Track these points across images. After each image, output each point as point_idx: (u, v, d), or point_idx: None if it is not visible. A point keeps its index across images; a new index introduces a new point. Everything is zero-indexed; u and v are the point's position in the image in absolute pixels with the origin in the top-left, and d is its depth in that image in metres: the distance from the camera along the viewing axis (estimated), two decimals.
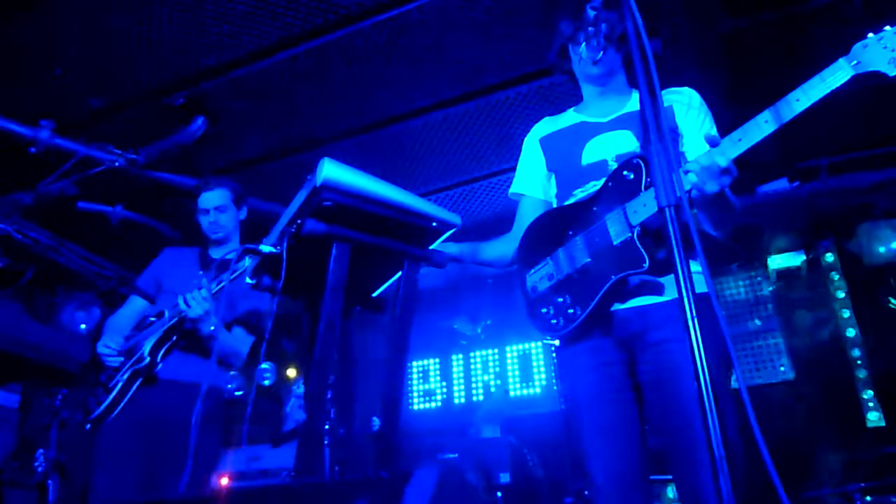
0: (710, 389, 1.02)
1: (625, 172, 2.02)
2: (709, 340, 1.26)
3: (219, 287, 2.88)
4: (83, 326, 4.87)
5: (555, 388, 6.18)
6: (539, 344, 6.49)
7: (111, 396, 2.88)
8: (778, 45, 3.62)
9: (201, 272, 3.10)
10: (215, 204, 3.26)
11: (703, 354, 1.02)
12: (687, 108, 2.17)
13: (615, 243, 1.98)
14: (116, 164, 2.85)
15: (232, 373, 3.27)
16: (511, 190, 2.48)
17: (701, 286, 1.35)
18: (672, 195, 1.19)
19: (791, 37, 3.55)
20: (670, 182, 1.20)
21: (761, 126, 1.72)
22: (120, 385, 2.90)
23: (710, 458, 1.82)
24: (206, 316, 2.84)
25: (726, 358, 2.07)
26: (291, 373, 6.69)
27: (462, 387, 6.84)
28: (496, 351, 6.77)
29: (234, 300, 3.13)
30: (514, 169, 4.66)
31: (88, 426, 2.88)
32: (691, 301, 1.08)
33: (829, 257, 5.70)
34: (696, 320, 1.07)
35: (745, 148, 1.74)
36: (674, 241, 1.13)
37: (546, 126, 2.42)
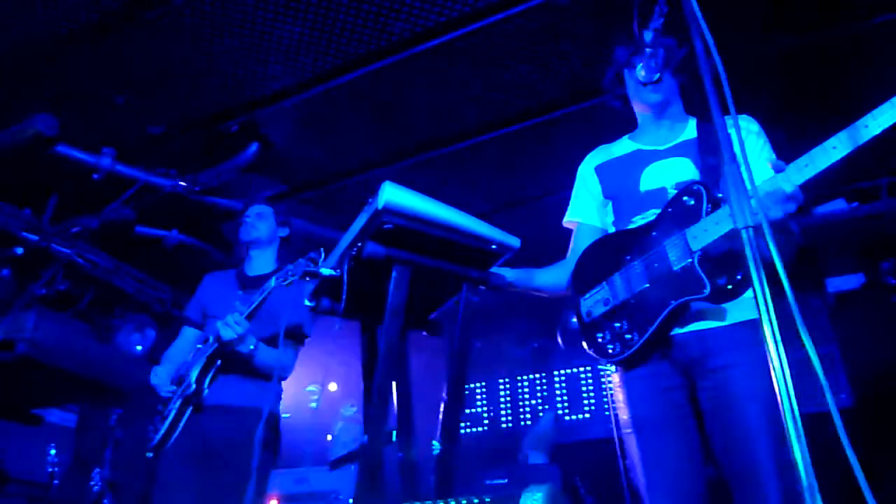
0: (797, 419, 0.98)
1: (685, 198, 1.99)
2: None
3: (252, 307, 2.93)
4: (139, 348, 4.97)
5: (606, 412, 6.07)
6: (588, 368, 6.39)
7: (166, 424, 2.93)
8: (834, 63, 3.55)
9: (240, 292, 3.15)
10: (256, 212, 3.40)
11: (788, 380, 0.98)
12: (745, 134, 2.13)
13: (675, 269, 1.95)
14: (176, 189, 2.93)
15: (280, 395, 3.30)
16: (566, 218, 2.46)
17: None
18: (750, 216, 1.16)
19: (848, 54, 3.48)
20: (747, 203, 1.18)
21: (829, 152, 1.67)
22: (173, 413, 2.95)
23: (781, 488, 1.78)
24: (242, 338, 2.88)
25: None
26: (332, 387, 6.72)
27: (509, 411, 6.77)
28: (543, 375, 6.69)
29: (278, 313, 3.16)
30: (562, 189, 4.65)
31: (151, 454, 2.93)
32: (774, 325, 1.05)
33: (891, 280, 5.51)
34: (779, 345, 1.04)
35: (812, 174, 1.69)
36: (752, 263, 1.10)
37: (601, 154, 2.41)
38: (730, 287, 1.85)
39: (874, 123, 1.62)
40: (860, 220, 4.90)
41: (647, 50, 2.10)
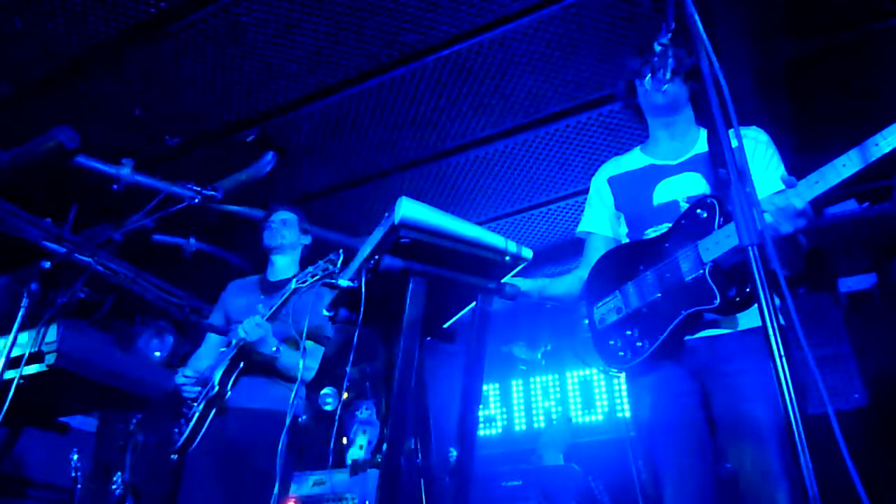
0: (799, 424, 1.03)
1: (698, 211, 2.04)
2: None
3: (272, 310, 2.97)
4: (157, 354, 5.05)
5: (618, 414, 6.09)
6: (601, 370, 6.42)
7: (190, 426, 2.97)
8: (842, 70, 3.56)
9: (262, 297, 3.20)
10: (281, 218, 3.44)
11: (792, 393, 1.02)
12: (754, 145, 2.18)
13: (686, 280, 1.99)
14: (196, 200, 2.99)
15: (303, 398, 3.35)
16: (579, 228, 2.51)
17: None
18: (755, 234, 1.21)
19: (855, 61, 3.49)
20: (752, 221, 1.22)
21: (839, 170, 1.71)
22: (197, 415, 3.00)
23: (791, 492, 1.82)
24: (264, 339, 2.93)
25: (801, 389, 2.06)
26: (345, 395, 6.77)
27: (523, 413, 6.80)
28: (556, 376, 6.73)
29: (299, 316, 3.21)
30: (573, 195, 4.68)
31: (175, 457, 2.98)
32: (778, 340, 1.09)
33: None
34: (783, 358, 1.08)
35: (822, 191, 1.74)
36: (758, 280, 1.14)
37: (613, 166, 2.45)
38: (739, 299, 1.89)
39: (885, 142, 1.65)
40: (871, 219, 4.90)
41: (656, 59, 2.15)
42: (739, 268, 1.89)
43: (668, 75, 2.17)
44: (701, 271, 1.96)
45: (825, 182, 1.74)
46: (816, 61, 3.51)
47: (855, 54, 3.47)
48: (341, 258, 2.59)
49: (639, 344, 2.09)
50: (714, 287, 1.92)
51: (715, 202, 2.00)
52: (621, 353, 2.14)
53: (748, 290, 1.87)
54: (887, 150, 1.64)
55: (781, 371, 1.08)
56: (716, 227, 1.96)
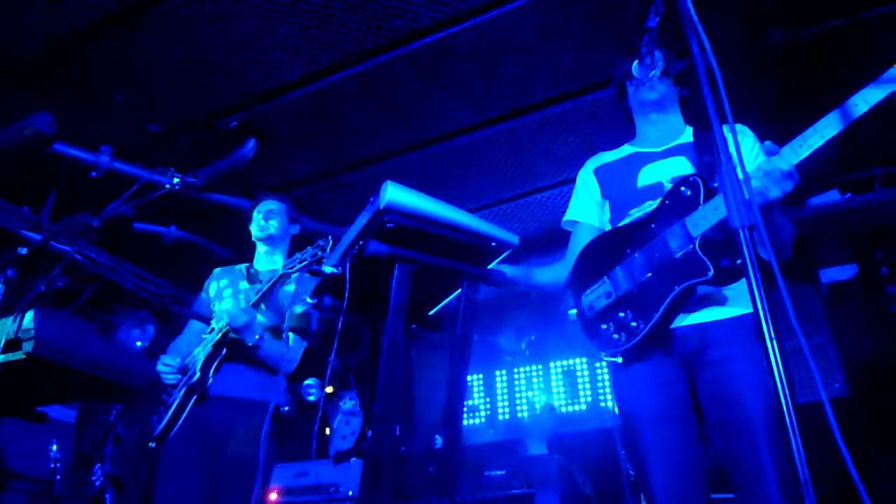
0: (791, 411, 1.02)
1: (682, 189, 2.04)
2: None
3: (257, 297, 2.94)
4: (139, 343, 4.99)
5: (601, 404, 6.12)
6: (584, 360, 6.44)
7: (169, 413, 2.93)
8: (828, 57, 3.58)
9: (248, 286, 3.16)
10: (268, 208, 3.38)
11: (784, 381, 1.01)
12: (740, 137, 2.18)
13: (676, 256, 1.99)
14: (176, 187, 2.93)
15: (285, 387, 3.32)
16: (565, 218, 2.51)
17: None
18: (746, 216, 1.19)
19: (841, 49, 3.51)
20: (744, 203, 1.21)
21: (821, 132, 1.72)
22: (177, 402, 2.96)
23: (780, 479, 1.83)
24: (248, 326, 2.88)
25: (789, 377, 2.07)
26: (329, 389, 6.75)
27: (506, 403, 6.82)
28: (540, 367, 6.75)
29: (283, 305, 3.18)
30: (559, 184, 4.68)
31: (153, 444, 2.94)
32: (769, 320, 1.08)
33: (884, 270, 5.54)
34: (773, 341, 1.07)
35: (807, 154, 1.74)
36: (748, 262, 1.13)
37: (600, 159, 2.47)
38: (732, 269, 1.89)
39: (863, 102, 1.66)
40: (854, 211, 4.93)
41: (643, 50, 2.14)
42: (729, 239, 1.89)
43: (655, 65, 2.17)
44: (691, 246, 1.95)
45: (808, 145, 1.74)
46: (803, 49, 3.52)
47: (842, 43, 3.49)
48: (330, 244, 2.55)
49: (633, 325, 2.07)
50: (706, 260, 1.91)
51: (699, 179, 2.00)
52: (615, 337, 2.12)
53: (739, 261, 1.87)
54: (865, 109, 1.65)
55: (774, 359, 1.06)
56: (701, 203, 1.95)
